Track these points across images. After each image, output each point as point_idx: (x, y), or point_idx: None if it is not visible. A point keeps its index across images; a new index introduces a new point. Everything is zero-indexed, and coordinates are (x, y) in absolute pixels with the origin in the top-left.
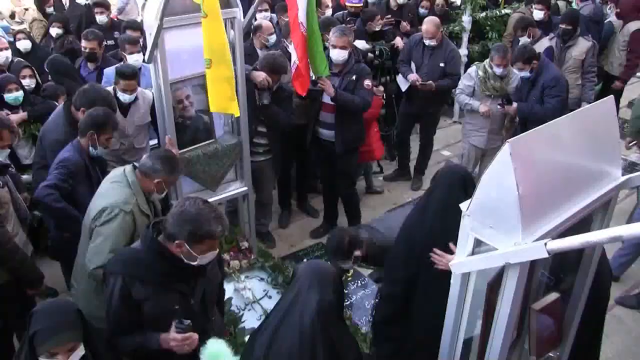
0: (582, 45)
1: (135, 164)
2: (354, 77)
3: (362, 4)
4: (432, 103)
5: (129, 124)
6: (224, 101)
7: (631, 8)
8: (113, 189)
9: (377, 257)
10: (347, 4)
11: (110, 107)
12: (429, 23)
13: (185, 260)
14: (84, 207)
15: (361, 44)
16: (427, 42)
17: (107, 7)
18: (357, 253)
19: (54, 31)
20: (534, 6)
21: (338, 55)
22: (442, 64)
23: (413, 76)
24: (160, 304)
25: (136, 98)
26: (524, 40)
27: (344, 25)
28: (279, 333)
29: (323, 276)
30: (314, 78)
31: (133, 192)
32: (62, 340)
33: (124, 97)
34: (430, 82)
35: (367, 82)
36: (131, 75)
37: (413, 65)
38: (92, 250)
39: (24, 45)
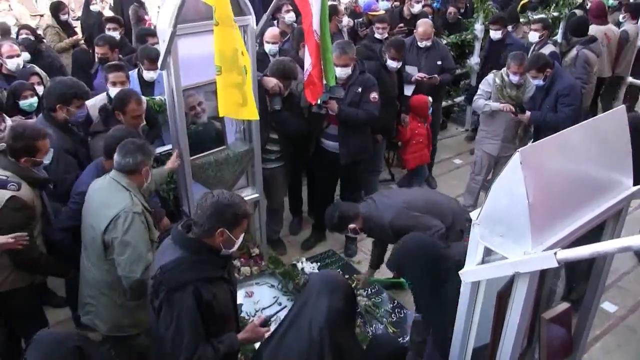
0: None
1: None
2: (359, 90)
3: (384, 11)
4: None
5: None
6: (233, 107)
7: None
8: (114, 197)
9: (372, 231)
10: (368, 12)
11: (84, 92)
12: (426, 25)
13: (223, 250)
14: None
15: None
16: (422, 44)
17: (120, 24)
18: (352, 226)
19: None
20: (490, 26)
21: (340, 72)
22: (439, 62)
23: (420, 74)
24: (224, 298)
25: None
26: (533, 36)
27: (345, 40)
28: (287, 338)
29: (333, 285)
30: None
31: (133, 194)
32: None
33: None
34: (435, 75)
35: (374, 95)
36: (118, 67)
37: (412, 68)
38: (129, 260)
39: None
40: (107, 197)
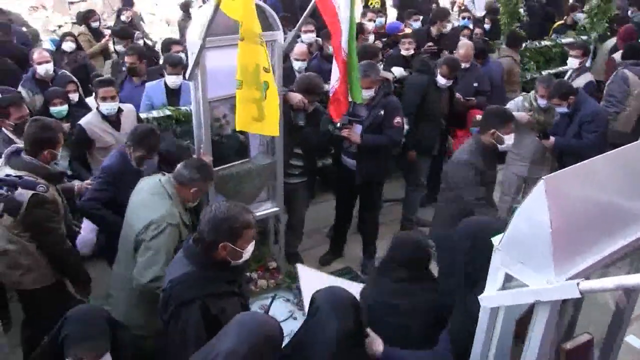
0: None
1: (167, 173)
2: (381, 112)
3: (400, 31)
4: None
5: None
6: (250, 121)
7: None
8: (155, 202)
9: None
10: (396, 34)
11: None
12: (467, 47)
13: (232, 262)
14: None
15: (398, 71)
16: (462, 65)
17: (122, 37)
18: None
19: (67, 45)
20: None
21: (363, 94)
22: (475, 84)
23: (457, 95)
24: (234, 312)
25: (120, 110)
26: (572, 62)
27: (368, 62)
28: None
29: (342, 304)
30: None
31: (174, 204)
32: (90, 347)
33: (106, 107)
34: (473, 98)
35: (398, 120)
36: (109, 82)
37: None
38: (144, 264)
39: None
40: (149, 200)
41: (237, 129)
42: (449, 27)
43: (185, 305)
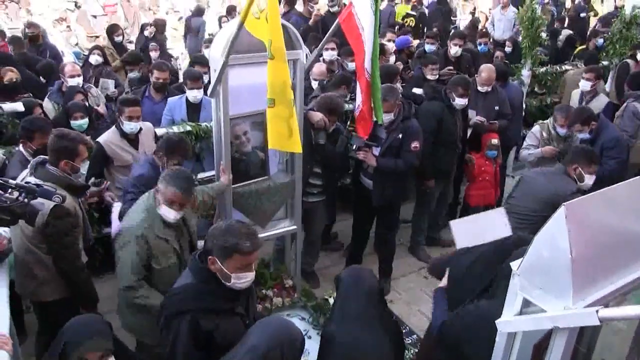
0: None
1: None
2: (400, 136)
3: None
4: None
5: (142, 155)
6: (282, 139)
7: None
8: (132, 213)
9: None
10: (405, 49)
11: None
12: (489, 71)
13: (222, 281)
14: None
15: (420, 92)
16: (484, 88)
17: (135, 63)
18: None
19: (94, 58)
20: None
21: (383, 117)
22: (496, 107)
23: (480, 117)
24: (232, 330)
25: (140, 128)
26: (584, 84)
27: (387, 86)
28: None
29: (366, 272)
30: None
31: (147, 217)
32: (92, 345)
33: (131, 127)
34: (496, 122)
35: (415, 145)
36: (135, 102)
37: (471, 112)
38: (118, 273)
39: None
40: (131, 210)
41: (270, 147)
42: (457, 50)
43: (176, 317)
